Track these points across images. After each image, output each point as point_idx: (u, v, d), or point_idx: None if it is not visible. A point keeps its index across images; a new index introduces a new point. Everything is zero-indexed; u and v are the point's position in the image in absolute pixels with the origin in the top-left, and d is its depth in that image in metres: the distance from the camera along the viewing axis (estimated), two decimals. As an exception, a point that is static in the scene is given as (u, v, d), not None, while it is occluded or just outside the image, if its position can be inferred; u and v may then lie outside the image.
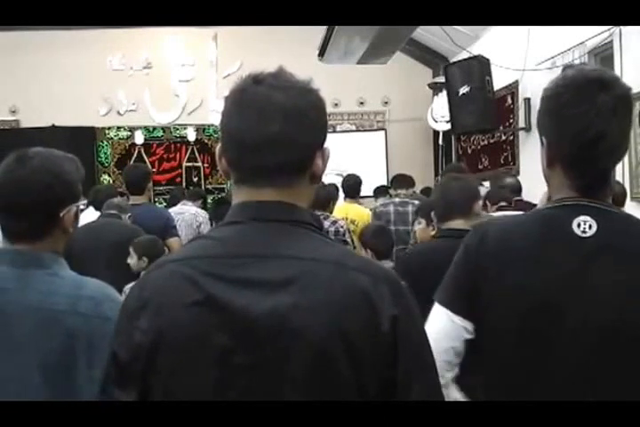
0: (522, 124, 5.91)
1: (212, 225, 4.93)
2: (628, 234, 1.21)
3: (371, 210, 4.89)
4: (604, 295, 1.17)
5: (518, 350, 1.23)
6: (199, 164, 8.03)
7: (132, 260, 3.35)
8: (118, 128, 7.98)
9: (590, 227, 1.19)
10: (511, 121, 6.27)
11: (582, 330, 1.18)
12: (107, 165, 7.96)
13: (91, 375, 1.27)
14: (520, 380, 1.23)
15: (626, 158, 4.62)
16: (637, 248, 1.20)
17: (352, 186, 4.86)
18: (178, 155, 8.03)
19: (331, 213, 4.25)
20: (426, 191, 6.06)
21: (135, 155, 7.94)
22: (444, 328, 1.30)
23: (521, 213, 1.35)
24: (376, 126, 8.34)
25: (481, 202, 2.52)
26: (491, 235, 1.28)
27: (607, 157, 1.23)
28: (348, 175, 4.96)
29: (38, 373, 1.29)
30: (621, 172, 4.71)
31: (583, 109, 1.18)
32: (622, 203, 3.55)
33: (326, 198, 4.13)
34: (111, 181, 7.75)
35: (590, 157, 1.21)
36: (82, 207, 1.50)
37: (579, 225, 1.19)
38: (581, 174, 1.23)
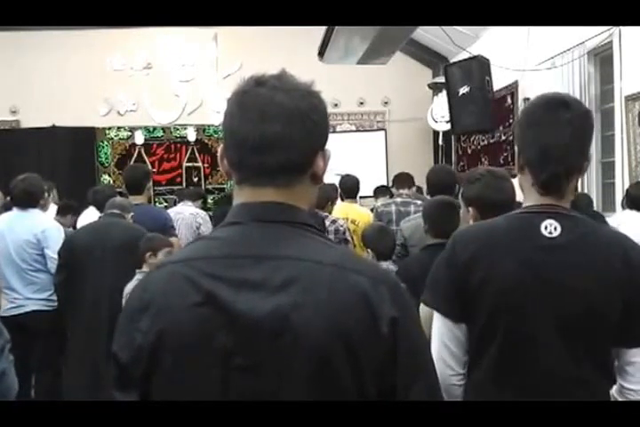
0: (522, 124, 5.90)
1: (213, 224, 4.93)
2: (591, 234, 1.38)
3: (371, 210, 4.89)
4: (569, 286, 1.33)
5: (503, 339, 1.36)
6: (199, 164, 8.03)
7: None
8: (118, 128, 7.98)
9: (556, 229, 1.36)
10: (511, 121, 6.27)
11: (550, 317, 1.33)
12: (107, 165, 7.97)
13: None
14: (510, 370, 1.36)
15: (626, 158, 4.62)
16: (599, 246, 1.36)
17: (350, 187, 4.84)
18: (178, 155, 8.03)
19: (330, 213, 4.24)
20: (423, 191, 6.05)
21: (135, 155, 7.94)
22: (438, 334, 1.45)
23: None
24: (376, 126, 8.35)
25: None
26: (470, 237, 1.45)
27: (557, 162, 1.37)
28: (346, 176, 4.92)
29: None
30: (621, 172, 4.72)
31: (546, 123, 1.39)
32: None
33: (324, 199, 4.12)
34: (111, 182, 7.75)
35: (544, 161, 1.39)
36: None
37: (546, 228, 1.36)
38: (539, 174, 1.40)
